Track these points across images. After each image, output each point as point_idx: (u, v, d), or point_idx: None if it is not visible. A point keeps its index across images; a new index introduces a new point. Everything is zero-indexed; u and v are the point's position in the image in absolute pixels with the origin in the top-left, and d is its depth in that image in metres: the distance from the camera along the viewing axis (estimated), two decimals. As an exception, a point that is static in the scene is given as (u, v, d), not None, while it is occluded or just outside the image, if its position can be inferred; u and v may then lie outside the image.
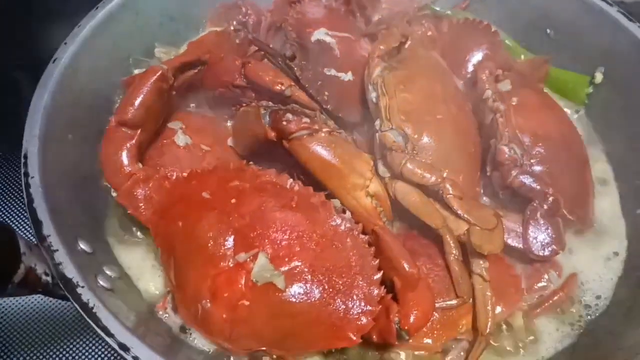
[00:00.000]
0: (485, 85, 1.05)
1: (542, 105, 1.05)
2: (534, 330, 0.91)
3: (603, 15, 1.17)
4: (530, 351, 0.90)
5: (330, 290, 0.79)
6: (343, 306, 0.79)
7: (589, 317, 0.94)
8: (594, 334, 0.90)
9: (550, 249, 0.92)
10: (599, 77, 1.19)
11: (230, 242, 0.82)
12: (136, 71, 1.16)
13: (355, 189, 0.90)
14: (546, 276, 0.95)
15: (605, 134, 1.18)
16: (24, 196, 0.84)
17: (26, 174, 0.87)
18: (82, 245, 0.86)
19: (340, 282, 0.80)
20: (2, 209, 1.35)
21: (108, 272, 0.87)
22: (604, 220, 1.05)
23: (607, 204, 1.08)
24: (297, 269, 0.80)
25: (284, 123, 0.88)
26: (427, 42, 1.13)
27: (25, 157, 0.89)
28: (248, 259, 0.80)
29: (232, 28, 1.27)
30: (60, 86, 0.99)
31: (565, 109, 1.19)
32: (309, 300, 0.79)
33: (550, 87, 1.24)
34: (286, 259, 0.80)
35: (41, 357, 1.15)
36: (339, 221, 0.84)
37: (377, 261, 0.83)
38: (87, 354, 1.16)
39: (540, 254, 0.92)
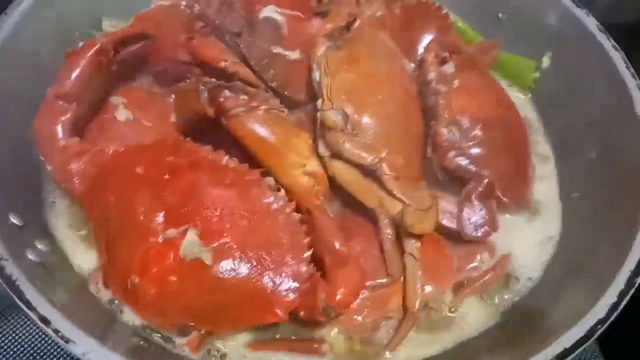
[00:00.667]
0: (429, 67, 1.05)
1: (484, 88, 1.06)
2: (460, 309, 0.93)
3: (553, 0, 1.19)
4: (457, 329, 0.92)
5: (259, 266, 0.80)
6: (271, 283, 0.80)
7: (517, 297, 0.96)
8: (521, 314, 0.93)
9: (483, 230, 0.94)
10: (546, 61, 1.21)
11: (161, 217, 0.82)
12: (80, 44, 1.14)
13: (293, 167, 0.90)
14: (479, 257, 0.97)
15: (550, 119, 1.20)
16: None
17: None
18: (13, 219, 0.85)
19: (269, 259, 0.81)
20: None
21: (39, 247, 0.86)
22: (542, 203, 1.07)
23: (546, 187, 1.10)
24: (226, 246, 0.80)
25: (221, 100, 0.88)
26: (376, 23, 1.12)
27: None
28: (178, 235, 0.80)
29: (183, 2, 1.26)
30: (1, 56, 0.98)
31: (513, 94, 1.21)
32: (237, 276, 0.79)
33: (498, 71, 1.25)
34: (216, 236, 0.80)
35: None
36: (272, 199, 0.85)
37: (308, 239, 0.83)
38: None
39: (473, 234, 0.94)
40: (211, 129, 0.97)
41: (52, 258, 0.87)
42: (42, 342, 1.06)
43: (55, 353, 1.05)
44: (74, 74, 0.92)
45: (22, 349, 1.05)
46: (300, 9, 1.19)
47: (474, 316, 0.93)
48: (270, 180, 0.87)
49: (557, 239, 1.02)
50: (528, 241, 1.01)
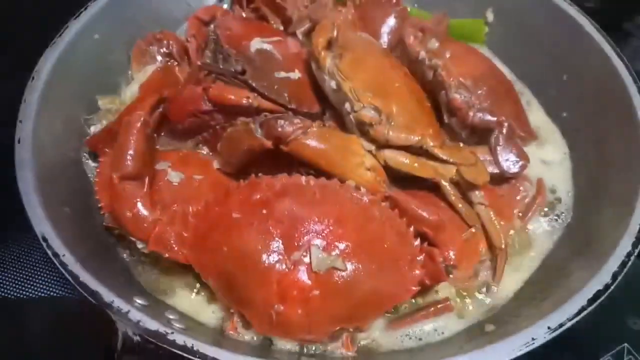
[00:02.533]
0: (416, 48, 1.19)
1: (466, 51, 1.22)
2: (531, 232, 1.10)
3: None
4: (533, 251, 1.08)
5: (381, 255, 0.90)
6: (396, 265, 0.90)
7: (565, 209, 1.13)
8: (577, 221, 1.10)
9: (520, 164, 1.09)
10: (490, 16, 1.39)
11: (279, 246, 0.89)
12: (92, 129, 1.15)
13: (357, 167, 1.00)
14: (522, 188, 1.13)
15: (512, 62, 1.38)
16: (67, 275, 0.84)
17: (55, 255, 0.86)
18: (138, 300, 0.87)
19: (386, 246, 0.91)
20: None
21: (172, 317, 0.89)
22: (541, 129, 1.25)
23: (535, 116, 1.28)
24: (348, 249, 0.89)
25: (279, 129, 0.95)
26: (351, 25, 1.24)
27: (45, 239, 0.88)
28: (302, 256, 0.88)
29: (158, 61, 1.30)
30: (36, 165, 0.98)
31: (473, 50, 1.39)
32: (368, 271, 0.88)
33: (452, 36, 1.42)
34: (335, 243, 0.89)
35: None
36: (360, 197, 0.94)
37: (405, 219, 0.94)
38: None
39: (514, 170, 1.09)
40: (255, 164, 1.05)
41: (187, 322, 0.91)
42: None
43: None
44: (129, 152, 0.95)
45: None
46: (275, 33, 1.28)
47: (541, 234, 1.09)
48: (350, 182, 0.96)
49: (568, 153, 1.21)
50: (549, 163, 1.19)
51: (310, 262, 0.87)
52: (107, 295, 0.82)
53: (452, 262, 0.92)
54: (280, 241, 0.89)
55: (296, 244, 0.88)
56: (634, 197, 0.97)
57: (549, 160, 1.20)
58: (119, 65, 1.29)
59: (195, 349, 0.78)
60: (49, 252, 0.86)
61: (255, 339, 0.92)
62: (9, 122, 1.02)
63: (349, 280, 0.87)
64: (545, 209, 1.13)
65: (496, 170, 1.09)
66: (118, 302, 0.82)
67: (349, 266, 0.88)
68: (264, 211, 0.91)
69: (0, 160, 0.98)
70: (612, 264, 0.90)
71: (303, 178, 0.96)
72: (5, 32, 1.29)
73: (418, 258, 0.91)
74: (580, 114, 1.22)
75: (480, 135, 1.14)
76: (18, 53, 1.12)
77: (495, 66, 1.26)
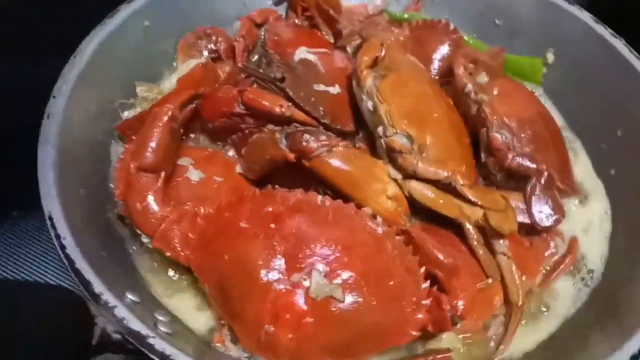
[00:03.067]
0: (463, 79, 1.13)
1: (516, 90, 1.15)
2: (554, 291, 1.02)
3: (544, 2, 1.30)
4: (553, 312, 1.01)
5: (385, 292, 0.85)
6: (399, 305, 0.85)
7: (595, 273, 1.06)
8: (606, 287, 1.02)
9: (554, 218, 1.02)
10: (550, 57, 1.32)
11: (281, 265, 0.85)
12: (125, 114, 1.15)
13: (378, 194, 0.96)
14: (552, 243, 1.06)
15: (565, 108, 1.31)
16: (63, 259, 0.83)
17: (57, 236, 0.86)
18: (130, 296, 0.86)
19: (392, 283, 0.86)
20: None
21: (161, 318, 0.87)
22: (585, 185, 1.17)
23: (580, 169, 1.20)
24: (351, 279, 0.85)
25: (304, 144, 0.93)
26: (401, 47, 1.20)
27: (51, 218, 0.88)
28: (302, 278, 0.84)
29: (204, 56, 1.30)
30: (61, 141, 0.98)
31: (527, 90, 1.32)
32: (368, 306, 0.84)
33: (508, 73, 1.36)
34: (338, 271, 0.85)
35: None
36: (374, 226, 0.90)
37: (417, 258, 0.89)
38: None
39: (547, 224, 1.02)
40: (279, 174, 1.02)
41: (176, 327, 0.89)
42: None
43: None
44: (153, 144, 0.94)
45: None
46: (323, 45, 1.26)
47: (565, 296, 1.02)
48: (366, 209, 0.92)
49: (610, 214, 1.13)
50: (587, 221, 1.11)
51: (310, 287, 0.83)
52: (98, 286, 0.81)
53: (459, 313, 0.86)
54: (283, 259, 0.86)
55: (299, 265, 0.85)
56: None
57: (587, 218, 1.12)
58: (165, 55, 1.29)
59: (171, 358, 0.75)
60: (52, 233, 0.85)
61: (241, 358, 0.89)
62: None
63: (346, 312, 0.83)
64: (573, 268, 1.05)
65: (527, 221, 1.03)
66: (107, 296, 0.80)
67: (349, 298, 0.83)
68: (273, 225, 0.88)
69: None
70: (635, 344, 0.82)
71: (319, 197, 0.92)
72: (57, 11, 1.31)
73: (424, 302, 0.86)
74: (630, 174, 1.13)
75: (517, 180, 1.07)
76: (70, 32, 1.12)
77: (545, 111, 1.18)
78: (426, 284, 0.87)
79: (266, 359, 0.88)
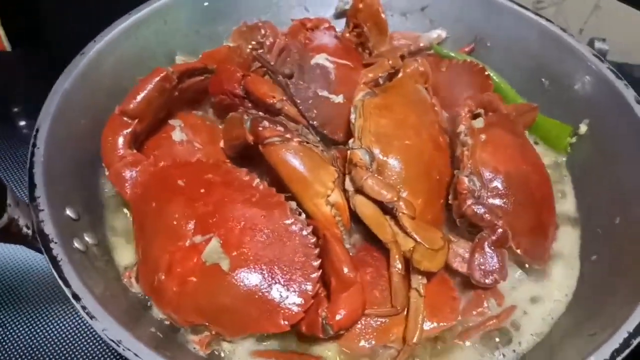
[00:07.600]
0: (461, 120, 1.12)
1: (512, 145, 1.10)
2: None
3: (594, 70, 1.23)
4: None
5: (270, 279, 0.88)
6: (278, 295, 0.88)
7: (514, 352, 0.98)
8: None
9: (492, 277, 0.97)
10: (583, 128, 1.24)
11: (191, 225, 0.92)
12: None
13: (317, 196, 0.99)
14: (486, 303, 1.00)
15: (582, 183, 1.22)
16: (27, 162, 0.98)
17: (34, 145, 1.00)
18: (69, 212, 0.98)
19: (280, 274, 0.89)
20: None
21: (86, 238, 0.98)
22: (561, 262, 1.09)
23: (568, 246, 1.12)
24: (243, 256, 0.89)
25: (260, 129, 0.98)
26: (417, 77, 1.20)
27: (37, 130, 1.03)
28: (203, 241, 0.90)
29: (249, 46, 1.40)
30: (82, 76, 1.14)
31: (548, 157, 1.25)
32: (249, 285, 0.88)
33: (535, 133, 1.30)
34: (236, 246, 0.89)
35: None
36: (291, 220, 0.93)
37: (319, 262, 0.91)
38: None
39: (482, 280, 0.97)
40: (251, 156, 1.09)
41: (94, 250, 0.99)
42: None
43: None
44: (139, 96, 1.05)
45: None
46: (351, 59, 1.30)
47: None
48: (292, 204, 0.96)
49: (569, 299, 1.03)
50: (540, 296, 1.03)
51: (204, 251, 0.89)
52: (40, 191, 0.94)
53: (331, 322, 0.86)
54: (194, 220, 0.92)
55: (205, 229, 0.91)
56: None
57: (543, 294, 1.04)
58: (217, 35, 1.42)
59: (60, 264, 0.85)
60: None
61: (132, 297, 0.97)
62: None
63: (226, 284, 0.88)
64: (499, 338, 0.98)
65: (464, 271, 0.99)
66: (42, 201, 0.92)
67: (234, 272, 0.88)
68: (202, 190, 0.96)
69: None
70: None
71: (256, 180, 0.98)
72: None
73: (303, 301, 0.87)
74: (611, 267, 1.03)
75: (477, 232, 1.03)
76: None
77: (540, 176, 1.11)
78: (314, 286, 0.88)
79: (155, 305, 0.95)
